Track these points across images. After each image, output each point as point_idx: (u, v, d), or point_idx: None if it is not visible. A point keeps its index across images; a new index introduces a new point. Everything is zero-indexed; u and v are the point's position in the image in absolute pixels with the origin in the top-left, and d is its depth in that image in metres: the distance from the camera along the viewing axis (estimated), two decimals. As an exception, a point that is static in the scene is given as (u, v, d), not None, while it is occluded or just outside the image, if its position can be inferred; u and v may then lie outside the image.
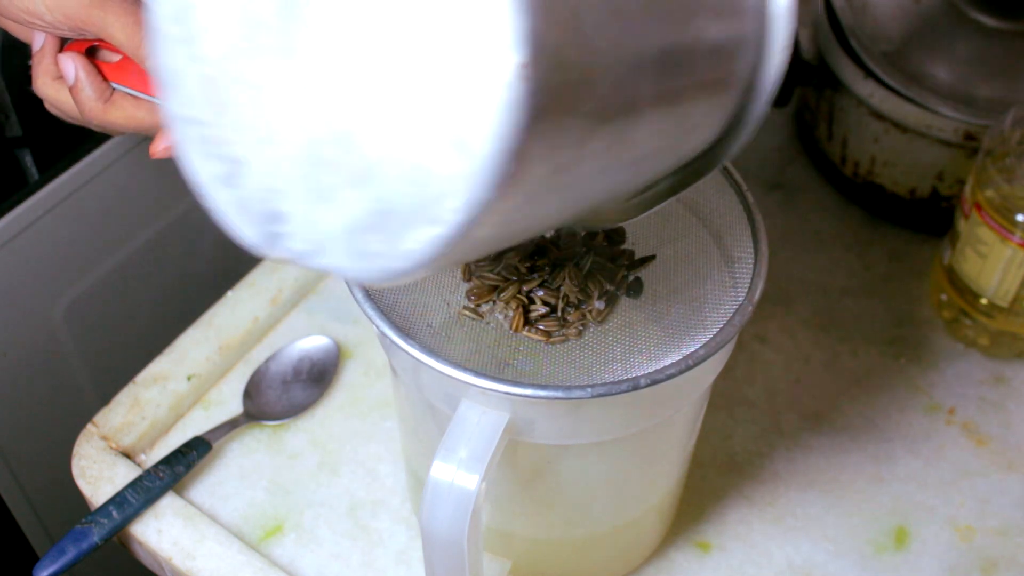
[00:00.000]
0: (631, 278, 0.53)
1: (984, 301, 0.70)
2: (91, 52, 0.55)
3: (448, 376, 0.47)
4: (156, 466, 0.64)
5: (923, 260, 0.77)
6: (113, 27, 0.52)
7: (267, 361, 0.70)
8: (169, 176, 0.80)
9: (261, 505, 0.65)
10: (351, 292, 0.49)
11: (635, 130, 0.37)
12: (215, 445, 0.66)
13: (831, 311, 0.75)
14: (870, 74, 0.74)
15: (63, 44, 0.55)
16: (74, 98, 0.54)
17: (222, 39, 0.35)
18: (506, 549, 0.58)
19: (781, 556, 0.64)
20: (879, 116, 0.74)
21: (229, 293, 0.73)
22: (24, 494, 0.79)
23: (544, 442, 0.50)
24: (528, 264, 0.53)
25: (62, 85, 0.55)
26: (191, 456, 0.64)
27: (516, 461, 0.52)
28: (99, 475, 0.64)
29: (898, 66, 0.73)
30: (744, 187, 0.52)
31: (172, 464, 0.64)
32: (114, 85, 0.54)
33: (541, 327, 0.51)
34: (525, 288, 0.52)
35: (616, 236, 0.54)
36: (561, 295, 0.51)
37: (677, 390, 0.51)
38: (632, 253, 0.54)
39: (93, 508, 0.64)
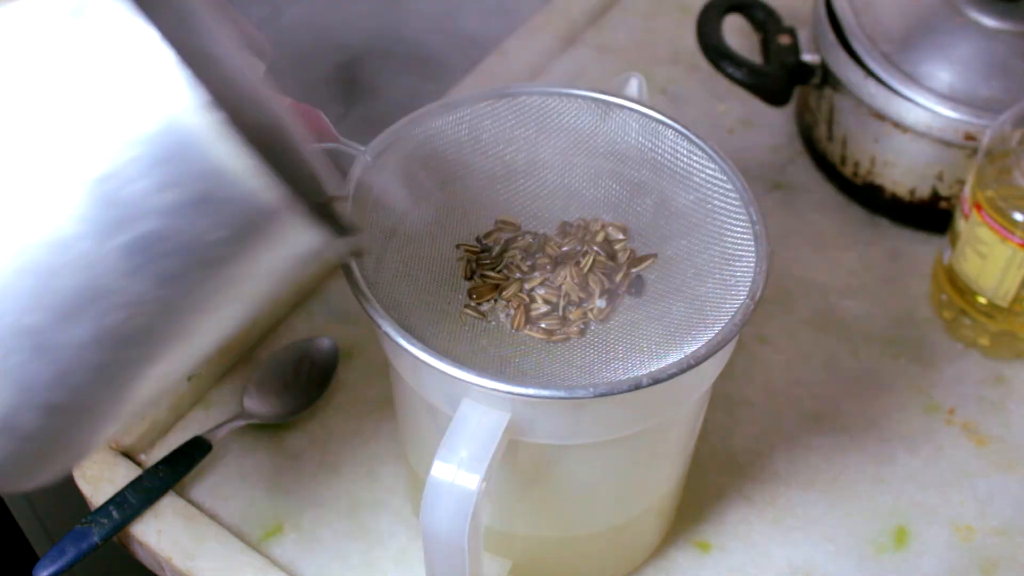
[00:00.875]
0: (633, 276, 0.53)
1: (984, 301, 0.70)
2: None
3: (449, 376, 0.47)
4: (156, 466, 0.64)
5: (923, 260, 0.77)
6: None
7: (267, 361, 0.70)
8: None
9: (261, 505, 0.65)
10: (353, 291, 0.49)
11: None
12: (215, 445, 0.66)
13: (831, 311, 0.75)
14: (870, 74, 0.74)
15: None
16: None
17: None
18: (506, 549, 0.58)
19: (781, 556, 0.64)
20: (879, 116, 0.74)
21: (229, 293, 0.73)
22: (24, 494, 0.79)
23: (545, 442, 0.50)
24: (529, 262, 0.52)
25: None
26: (191, 456, 0.64)
27: (516, 461, 0.52)
28: (99, 475, 0.64)
29: (898, 66, 0.73)
30: (745, 186, 0.53)
31: (172, 464, 0.64)
32: None
33: (543, 325, 0.51)
34: (527, 286, 0.52)
35: (618, 234, 0.54)
36: (563, 293, 0.51)
37: (678, 390, 0.51)
38: (634, 251, 0.54)
39: (93, 508, 0.64)
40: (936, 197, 0.76)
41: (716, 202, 0.53)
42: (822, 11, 0.77)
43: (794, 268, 0.77)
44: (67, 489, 0.66)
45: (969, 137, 0.72)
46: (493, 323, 0.52)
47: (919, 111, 0.72)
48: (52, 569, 0.59)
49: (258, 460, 0.67)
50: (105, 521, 0.61)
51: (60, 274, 0.36)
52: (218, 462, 0.66)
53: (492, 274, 0.53)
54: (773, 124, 0.85)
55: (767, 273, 0.50)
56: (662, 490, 0.59)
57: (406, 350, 0.48)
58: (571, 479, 0.55)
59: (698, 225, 0.53)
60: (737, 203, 0.52)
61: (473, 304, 0.52)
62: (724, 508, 0.66)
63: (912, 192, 0.77)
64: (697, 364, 0.47)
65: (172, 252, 0.36)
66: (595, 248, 0.53)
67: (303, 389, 0.69)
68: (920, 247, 0.78)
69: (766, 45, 0.80)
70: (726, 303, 0.50)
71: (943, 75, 0.73)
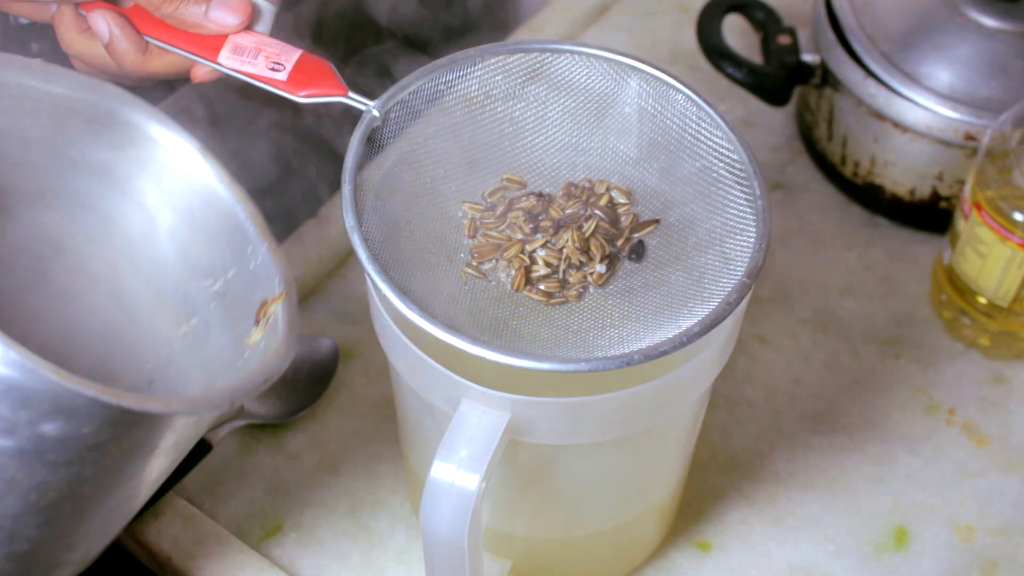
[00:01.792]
0: (634, 241, 0.52)
1: (984, 301, 0.70)
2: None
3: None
4: (156, 466, 0.64)
5: (923, 260, 0.77)
6: None
7: (267, 361, 0.70)
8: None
9: (261, 505, 0.65)
10: (368, 278, 0.48)
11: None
12: (215, 445, 0.66)
13: (831, 311, 0.75)
14: (870, 74, 0.74)
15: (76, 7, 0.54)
16: (111, 54, 0.53)
17: None
18: (506, 549, 0.58)
19: (781, 556, 0.64)
20: (879, 116, 0.74)
21: (229, 293, 0.73)
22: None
23: (544, 442, 0.50)
24: (532, 224, 0.52)
25: (91, 39, 0.54)
26: (191, 456, 0.64)
27: (516, 461, 0.52)
28: (99, 475, 0.64)
29: (898, 66, 0.73)
30: (752, 157, 0.52)
31: (172, 464, 0.64)
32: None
33: (542, 287, 0.51)
34: (528, 248, 0.52)
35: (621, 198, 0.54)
36: (563, 256, 0.51)
37: (677, 389, 0.51)
38: (637, 216, 0.53)
39: (93, 508, 0.64)
40: (936, 197, 0.76)
41: (721, 171, 0.52)
42: (822, 11, 0.77)
43: (794, 268, 0.77)
44: (67, 489, 0.66)
45: (969, 137, 0.72)
46: (493, 283, 0.51)
47: (919, 111, 0.72)
48: (52, 569, 0.59)
49: (258, 460, 0.67)
50: (105, 521, 0.61)
51: None
52: (218, 462, 0.66)
53: (495, 234, 0.52)
54: (773, 124, 0.85)
55: (766, 250, 0.49)
56: (662, 490, 0.59)
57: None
58: (571, 479, 0.55)
59: (702, 193, 0.53)
60: (742, 174, 0.51)
61: (475, 263, 0.52)
62: (724, 508, 0.66)
63: (912, 192, 0.77)
64: (689, 342, 0.46)
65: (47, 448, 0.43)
66: (598, 212, 0.52)
67: (303, 389, 0.69)
68: (920, 247, 0.78)
69: (766, 45, 0.80)
70: (724, 277, 0.50)
71: (943, 75, 0.73)
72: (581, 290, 0.51)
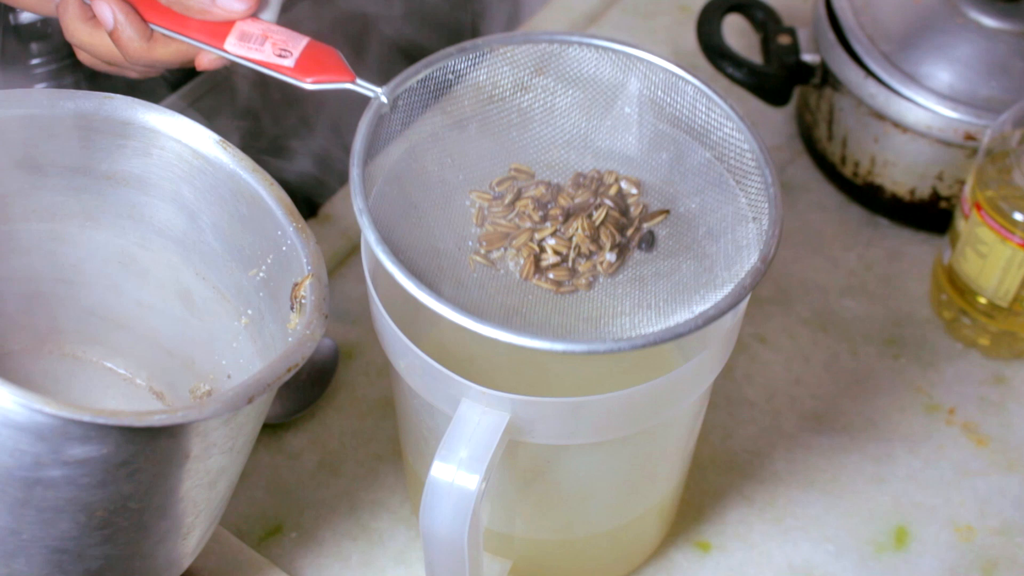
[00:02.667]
0: (644, 231, 0.52)
1: (984, 301, 0.70)
2: None
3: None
4: (156, 466, 0.64)
5: (923, 260, 0.77)
6: None
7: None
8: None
9: (261, 505, 0.65)
10: (378, 259, 0.48)
11: None
12: (215, 445, 0.66)
13: (831, 311, 0.75)
14: (870, 74, 0.74)
15: None
16: (116, 42, 0.53)
17: None
18: (506, 549, 0.58)
19: (781, 556, 0.64)
20: (879, 116, 0.74)
21: (229, 293, 0.73)
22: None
23: (544, 442, 0.50)
24: (541, 213, 0.52)
25: (96, 28, 0.54)
26: (191, 456, 0.64)
27: (516, 461, 0.52)
28: (99, 475, 0.64)
29: (898, 66, 0.73)
30: (763, 146, 0.51)
31: (172, 465, 0.64)
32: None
33: (551, 276, 0.51)
34: (537, 236, 0.51)
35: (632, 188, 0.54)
36: (573, 245, 0.51)
37: (677, 389, 0.51)
38: (647, 206, 0.53)
39: (93, 508, 0.64)
40: (936, 197, 0.76)
41: (732, 161, 0.52)
42: (822, 11, 0.77)
43: (794, 268, 0.77)
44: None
45: (969, 137, 0.72)
46: (502, 271, 0.51)
47: (919, 111, 0.72)
48: (52, 570, 0.59)
49: (258, 460, 0.67)
50: (105, 522, 0.61)
51: None
52: (218, 462, 0.66)
53: (503, 222, 0.52)
54: (773, 124, 0.85)
55: (779, 236, 0.48)
56: (662, 490, 0.59)
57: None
58: (571, 479, 0.55)
59: (713, 183, 0.53)
60: (753, 164, 0.51)
61: (483, 251, 0.51)
62: (724, 508, 0.66)
63: (912, 192, 0.77)
64: (705, 324, 0.46)
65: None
66: (608, 201, 0.52)
67: (303, 389, 0.69)
68: (920, 247, 0.78)
69: (766, 45, 0.80)
70: (736, 264, 0.49)
71: (943, 75, 0.73)
72: (591, 279, 0.51)
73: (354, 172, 0.48)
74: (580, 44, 0.54)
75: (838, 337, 0.73)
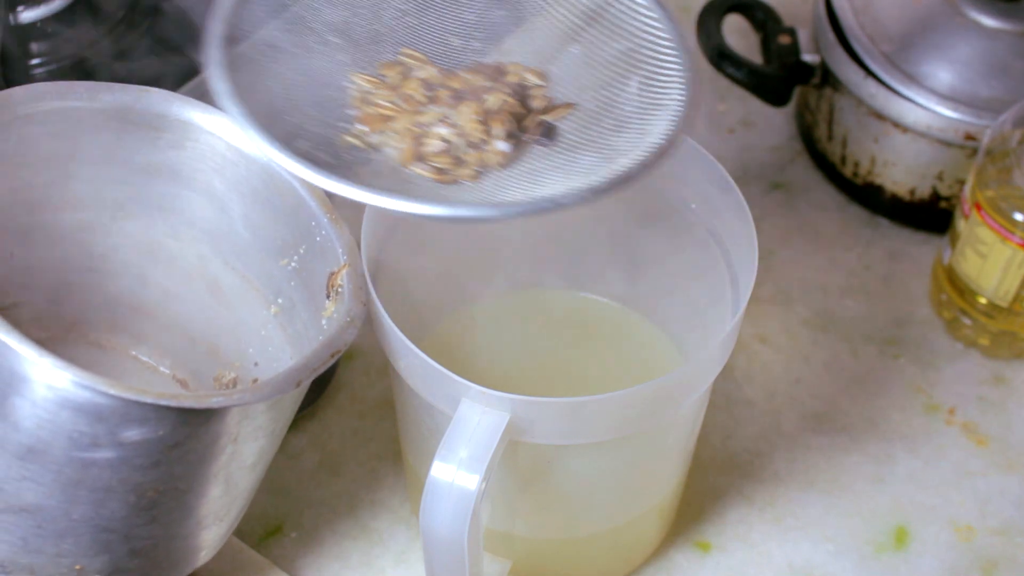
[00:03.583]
0: (542, 123, 0.48)
1: (984, 301, 0.70)
2: None
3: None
4: (156, 466, 0.64)
5: (923, 260, 0.77)
6: None
7: (267, 361, 0.70)
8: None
9: (261, 505, 0.65)
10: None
11: None
12: (215, 445, 0.66)
13: (831, 311, 0.75)
14: (870, 74, 0.74)
15: None
16: None
17: None
18: (506, 549, 0.58)
19: (781, 556, 0.64)
20: (879, 116, 0.74)
21: (229, 293, 0.73)
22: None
23: (544, 442, 0.50)
24: (429, 93, 0.48)
25: None
26: (191, 457, 0.64)
27: (516, 461, 0.52)
28: (99, 475, 0.64)
29: (898, 66, 0.73)
30: (680, 33, 0.48)
31: (172, 465, 0.64)
32: None
33: (434, 164, 0.47)
34: (420, 120, 0.47)
35: (534, 78, 0.50)
36: (461, 132, 0.47)
37: (677, 388, 0.51)
38: (551, 100, 0.49)
39: (93, 508, 0.64)
40: (936, 197, 0.76)
41: (646, 51, 0.48)
42: (822, 11, 0.77)
43: (794, 268, 0.77)
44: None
45: (969, 137, 0.72)
46: (380, 157, 0.47)
47: (919, 111, 0.72)
48: (52, 570, 0.59)
49: (258, 460, 0.67)
50: (105, 522, 0.61)
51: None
52: (218, 462, 0.66)
53: (385, 104, 0.48)
54: (773, 124, 0.85)
55: (696, 116, 0.45)
56: (662, 490, 0.59)
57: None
58: (571, 479, 0.55)
59: (624, 75, 0.48)
60: (671, 50, 0.47)
61: (360, 133, 0.47)
62: (724, 508, 0.66)
63: (912, 192, 0.77)
64: (613, 187, 0.42)
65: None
66: (506, 87, 0.48)
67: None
68: (920, 247, 0.78)
69: (766, 45, 0.80)
70: (640, 151, 0.45)
71: (943, 75, 0.73)
72: (478, 170, 0.46)
73: (217, 26, 0.45)
74: None
75: (838, 337, 0.73)
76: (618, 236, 0.61)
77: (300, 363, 0.48)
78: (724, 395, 0.70)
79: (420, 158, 0.47)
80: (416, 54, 0.50)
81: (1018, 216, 0.65)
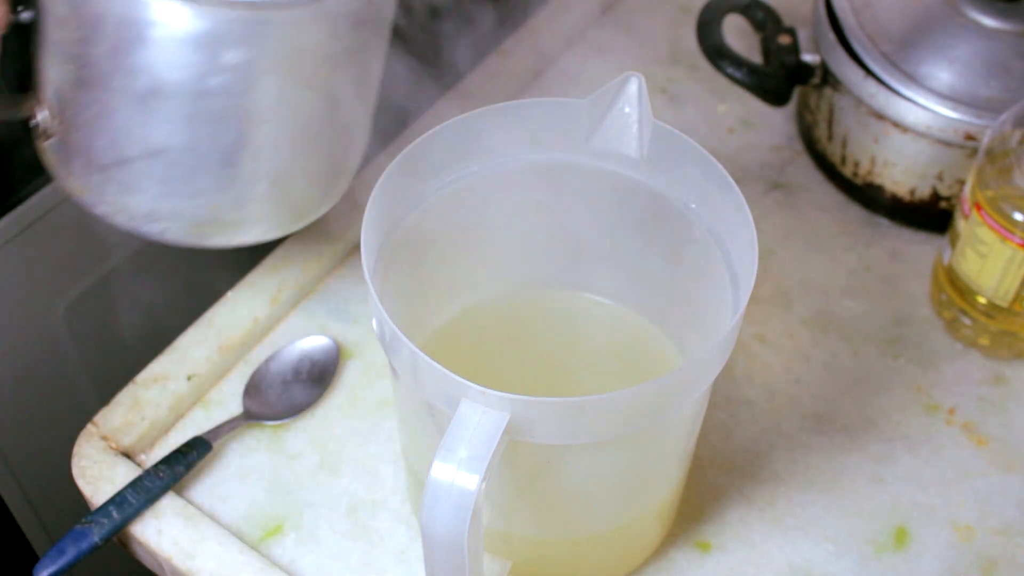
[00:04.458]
0: None
1: (984, 301, 0.70)
2: None
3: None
4: (156, 466, 0.64)
5: (923, 260, 0.77)
6: None
7: (267, 361, 0.70)
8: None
9: (261, 505, 0.65)
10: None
11: None
12: (215, 445, 0.66)
13: (831, 311, 0.75)
14: (870, 74, 0.74)
15: None
16: None
17: None
18: (506, 549, 0.58)
19: (781, 556, 0.64)
20: (879, 116, 0.74)
21: (229, 293, 0.73)
22: (24, 494, 0.79)
23: (544, 442, 0.50)
24: None
25: None
26: (191, 456, 0.65)
27: (516, 461, 0.52)
28: (99, 475, 0.64)
29: (898, 66, 0.73)
30: None
31: (172, 464, 0.64)
32: None
33: None
34: None
35: None
36: None
37: (677, 389, 0.51)
38: None
39: (93, 508, 0.64)
40: (936, 197, 0.76)
41: None
42: (822, 11, 0.77)
43: (794, 268, 0.77)
44: (67, 489, 0.66)
45: (969, 137, 0.72)
46: None
47: (919, 111, 0.72)
48: (52, 569, 0.59)
49: (258, 460, 0.67)
50: (105, 521, 0.61)
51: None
52: (218, 462, 0.66)
53: None
54: (773, 124, 0.85)
55: None
56: (662, 491, 0.59)
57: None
58: (571, 479, 0.55)
59: None
60: None
61: None
62: (724, 508, 0.66)
63: (912, 192, 0.77)
64: None
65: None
66: None
67: (303, 389, 0.69)
68: (920, 247, 0.78)
69: (766, 45, 0.80)
70: None
71: (943, 75, 0.73)
72: None
73: None
74: None
75: (838, 337, 0.73)
76: (618, 236, 0.61)
77: None
78: (724, 395, 0.70)
79: None
80: None
81: (1018, 216, 0.65)
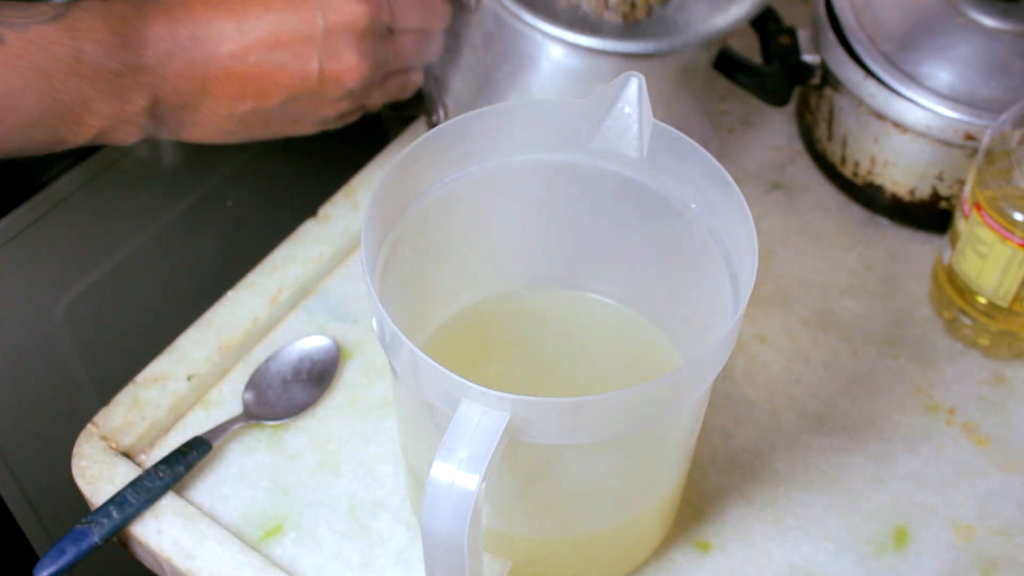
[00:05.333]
0: None
1: (984, 301, 0.70)
2: None
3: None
4: (156, 466, 0.64)
5: (923, 260, 0.77)
6: None
7: (267, 361, 0.70)
8: (170, 176, 0.80)
9: (261, 505, 0.65)
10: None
11: None
12: (215, 445, 0.66)
13: (831, 311, 0.75)
14: (870, 74, 0.74)
15: None
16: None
17: None
18: (506, 549, 0.58)
19: (781, 556, 0.64)
20: (879, 116, 0.74)
21: (229, 293, 0.73)
22: (24, 494, 0.79)
23: (544, 442, 0.50)
24: None
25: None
26: (191, 456, 0.64)
27: (516, 461, 0.52)
28: (99, 475, 0.64)
29: (898, 66, 0.73)
30: None
31: (172, 464, 0.64)
32: None
33: (616, 7, 0.69)
34: None
35: None
36: None
37: (677, 388, 0.51)
38: None
39: (93, 508, 0.64)
40: (936, 197, 0.76)
41: None
42: (822, 11, 0.77)
43: (794, 268, 0.77)
44: (67, 489, 0.66)
45: (969, 137, 0.72)
46: (580, 11, 0.69)
47: (919, 111, 0.72)
48: (52, 569, 0.59)
49: (258, 460, 0.67)
50: (105, 521, 0.61)
51: None
52: (218, 462, 0.66)
53: None
54: (773, 124, 0.85)
55: None
56: (662, 491, 0.59)
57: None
58: (571, 479, 0.55)
59: None
60: None
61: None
62: (724, 508, 0.66)
63: (912, 192, 0.77)
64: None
65: None
66: None
67: (303, 389, 0.69)
68: (920, 247, 0.78)
69: (766, 45, 0.80)
70: None
71: (943, 75, 0.73)
72: (648, 8, 0.70)
73: None
74: None
75: (838, 337, 0.73)
76: (618, 236, 0.61)
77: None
78: (724, 395, 0.70)
79: (607, 8, 0.69)
80: None
81: (1018, 216, 0.65)
